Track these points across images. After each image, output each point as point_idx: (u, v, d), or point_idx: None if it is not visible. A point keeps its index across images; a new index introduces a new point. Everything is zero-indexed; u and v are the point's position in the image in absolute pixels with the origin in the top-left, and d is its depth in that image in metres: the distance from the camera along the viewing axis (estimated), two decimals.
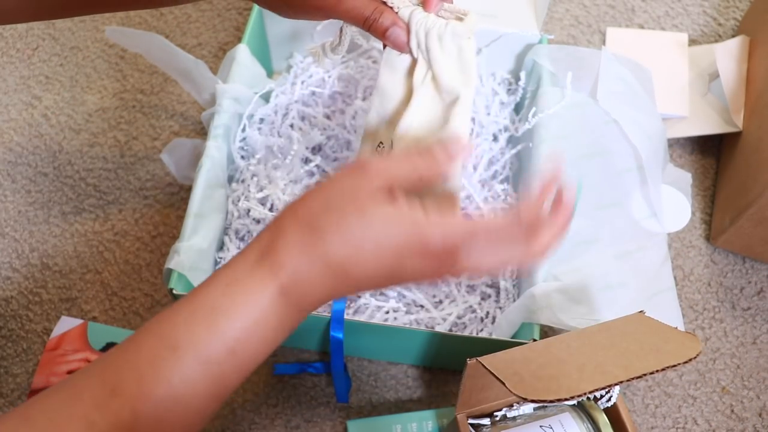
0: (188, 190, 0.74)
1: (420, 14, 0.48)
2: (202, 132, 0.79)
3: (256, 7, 0.74)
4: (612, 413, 0.52)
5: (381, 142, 0.53)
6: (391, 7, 0.48)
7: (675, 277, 0.71)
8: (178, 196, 0.75)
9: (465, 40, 0.49)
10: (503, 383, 0.41)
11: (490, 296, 0.66)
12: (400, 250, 0.39)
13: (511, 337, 0.60)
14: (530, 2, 0.76)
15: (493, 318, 0.65)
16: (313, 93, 0.74)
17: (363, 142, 0.55)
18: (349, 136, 0.71)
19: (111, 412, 0.35)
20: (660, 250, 0.65)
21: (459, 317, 0.65)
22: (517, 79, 0.73)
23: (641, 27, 0.88)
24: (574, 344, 0.46)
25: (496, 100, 0.74)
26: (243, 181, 0.69)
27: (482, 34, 0.72)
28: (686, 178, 0.71)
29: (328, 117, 0.73)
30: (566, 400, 0.40)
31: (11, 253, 0.72)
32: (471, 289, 0.67)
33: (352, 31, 0.53)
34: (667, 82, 0.79)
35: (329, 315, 0.59)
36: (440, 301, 0.66)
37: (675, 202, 0.68)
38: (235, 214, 0.68)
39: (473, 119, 0.72)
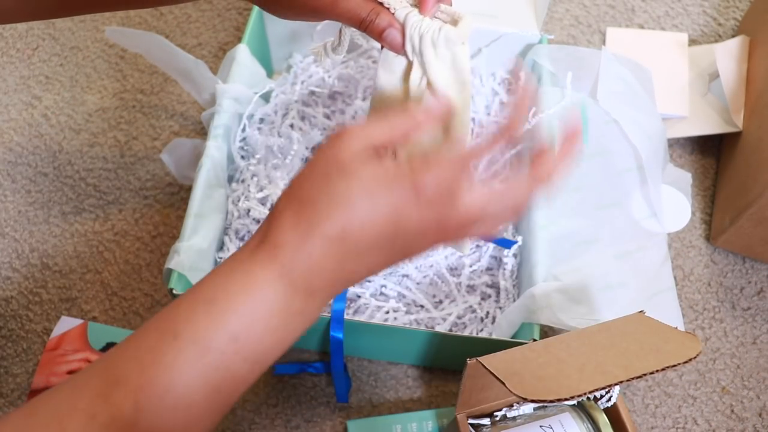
0: (188, 190, 0.74)
1: (414, 17, 0.47)
2: (202, 132, 0.79)
3: (256, 7, 0.74)
4: (612, 413, 0.52)
5: None
6: (388, 8, 0.48)
7: (675, 277, 0.71)
8: (178, 196, 0.75)
9: (459, 46, 0.48)
10: (503, 383, 0.41)
11: (490, 296, 0.67)
12: (394, 205, 0.38)
13: (511, 337, 0.60)
14: (530, 2, 0.76)
15: (493, 318, 0.65)
16: (313, 93, 0.74)
17: None
18: None
19: (112, 403, 0.35)
20: (660, 250, 0.65)
21: (459, 317, 0.65)
22: (517, 79, 0.73)
23: (641, 27, 0.88)
24: (574, 344, 0.46)
25: (496, 100, 0.74)
26: (243, 181, 0.69)
27: (482, 34, 0.72)
28: (686, 178, 0.71)
29: (328, 117, 0.73)
30: (566, 400, 0.40)
31: (11, 253, 0.72)
32: (471, 289, 0.67)
33: (351, 32, 0.53)
34: (667, 82, 0.79)
35: (329, 315, 0.59)
36: (440, 301, 0.66)
37: (675, 202, 0.68)
38: (235, 214, 0.68)
39: (473, 119, 0.72)
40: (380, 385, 0.66)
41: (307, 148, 0.70)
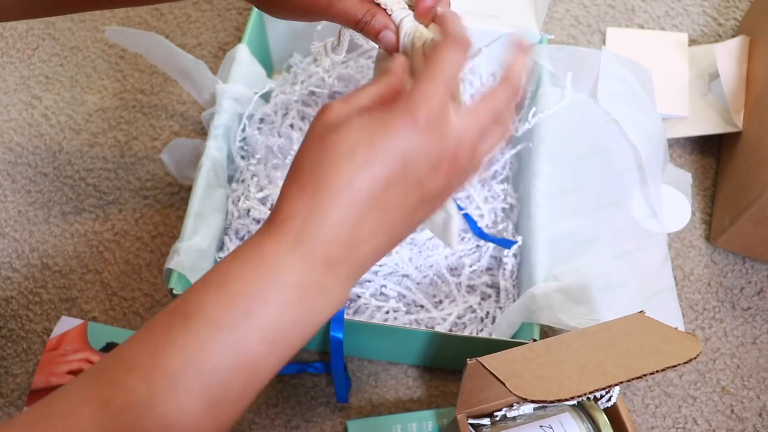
0: (188, 190, 0.74)
1: (408, 23, 0.47)
2: (202, 132, 0.79)
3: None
4: (612, 413, 0.52)
5: None
6: (384, 9, 0.48)
7: (675, 277, 0.71)
8: (178, 196, 0.75)
9: None
10: (503, 383, 0.41)
11: (490, 296, 0.67)
12: (395, 138, 0.36)
13: (511, 337, 0.60)
14: (530, 2, 0.76)
15: (493, 318, 0.65)
16: (313, 93, 0.74)
17: None
18: None
19: (125, 388, 0.34)
20: (660, 250, 0.65)
21: (459, 317, 0.65)
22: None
23: (641, 27, 0.88)
24: (574, 344, 0.46)
25: None
26: (243, 181, 0.69)
27: (482, 34, 0.72)
28: (686, 178, 0.71)
29: None
30: (566, 400, 0.40)
31: (11, 253, 0.72)
32: (471, 289, 0.67)
33: (351, 32, 0.53)
34: (667, 82, 0.79)
35: None
36: (440, 301, 0.66)
37: (675, 202, 0.68)
38: (235, 214, 0.68)
39: None
40: (380, 385, 0.66)
41: None
